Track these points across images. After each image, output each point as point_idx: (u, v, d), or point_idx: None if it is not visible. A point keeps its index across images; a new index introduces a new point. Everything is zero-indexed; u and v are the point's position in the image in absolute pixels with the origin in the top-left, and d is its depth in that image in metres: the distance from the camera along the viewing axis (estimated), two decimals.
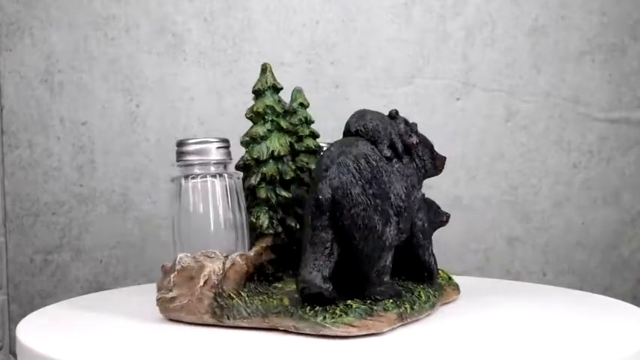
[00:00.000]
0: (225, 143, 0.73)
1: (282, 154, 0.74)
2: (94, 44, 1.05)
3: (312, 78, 1.07)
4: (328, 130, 1.06)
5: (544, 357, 0.57)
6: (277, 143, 0.74)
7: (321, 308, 0.62)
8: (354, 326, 0.62)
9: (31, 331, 0.67)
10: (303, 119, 0.77)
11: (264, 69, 0.75)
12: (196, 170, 0.71)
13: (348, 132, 0.69)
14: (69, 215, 1.05)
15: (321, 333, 0.62)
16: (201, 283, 0.67)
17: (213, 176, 0.71)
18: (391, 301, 0.64)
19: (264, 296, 0.67)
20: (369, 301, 0.64)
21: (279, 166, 0.74)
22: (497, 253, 1.12)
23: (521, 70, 1.11)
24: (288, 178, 0.73)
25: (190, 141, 0.72)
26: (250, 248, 0.70)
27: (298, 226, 0.73)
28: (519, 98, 1.11)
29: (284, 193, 0.73)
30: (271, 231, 0.72)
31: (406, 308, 0.65)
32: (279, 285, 0.70)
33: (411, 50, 1.09)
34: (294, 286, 0.66)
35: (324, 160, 0.64)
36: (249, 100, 0.78)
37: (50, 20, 1.04)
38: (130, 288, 0.92)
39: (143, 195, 1.06)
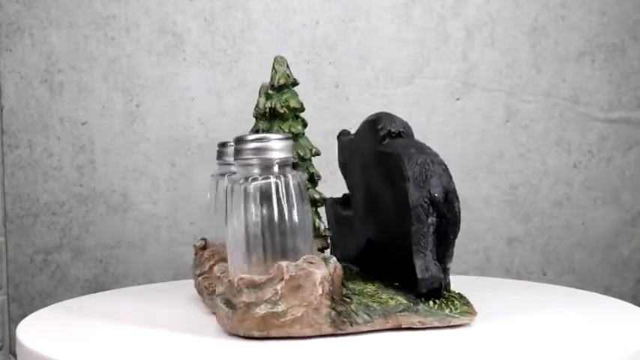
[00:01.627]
0: (289, 140, 0.65)
1: (317, 153, 0.72)
2: (94, 44, 1.05)
3: (312, 78, 1.07)
4: (329, 129, 1.06)
5: (544, 356, 0.57)
6: (310, 141, 0.72)
7: (440, 301, 0.65)
8: (472, 314, 0.66)
9: (31, 331, 0.67)
10: None
11: (282, 62, 0.72)
12: (256, 170, 0.63)
13: (388, 134, 0.71)
14: (69, 215, 1.05)
15: (451, 324, 0.65)
16: (320, 292, 0.61)
17: (278, 177, 0.63)
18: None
19: (373, 297, 0.65)
20: (448, 291, 0.67)
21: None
22: (497, 253, 1.12)
23: (521, 70, 1.11)
24: (317, 178, 0.72)
25: (252, 137, 0.63)
26: None
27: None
28: (519, 98, 1.11)
29: (322, 194, 0.72)
30: (328, 233, 0.71)
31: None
32: (352, 285, 0.68)
33: (411, 50, 1.09)
34: (371, 285, 0.68)
35: (422, 160, 0.66)
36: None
37: (50, 20, 1.04)
38: (130, 288, 0.92)
39: (143, 195, 1.06)
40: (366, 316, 0.63)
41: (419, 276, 0.64)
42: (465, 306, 0.66)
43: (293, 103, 0.70)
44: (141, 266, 1.07)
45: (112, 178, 1.06)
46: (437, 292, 0.66)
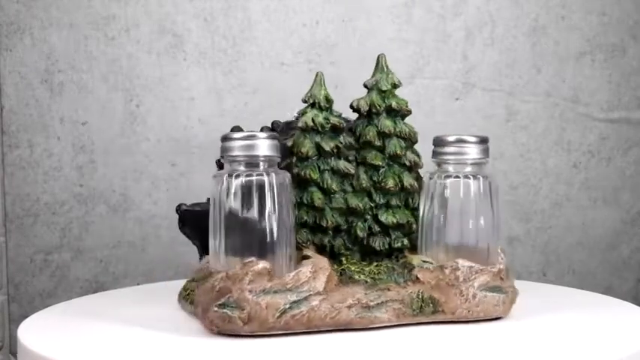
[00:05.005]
0: (485, 144, 0.68)
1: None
2: (94, 44, 1.05)
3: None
4: None
5: (545, 356, 0.57)
6: None
7: None
8: None
9: (31, 332, 0.67)
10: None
11: (383, 59, 0.72)
12: (451, 169, 0.68)
13: None
14: (69, 215, 1.05)
15: None
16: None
17: (468, 177, 0.67)
18: None
19: None
20: None
21: None
22: None
23: (521, 70, 1.11)
24: None
25: (453, 139, 0.68)
26: None
27: None
28: (519, 98, 1.11)
29: None
30: None
31: None
32: None
33: (411, 50, 1.09)
34: None
35: None
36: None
37: (50, 20, 1.04)
38: (130, 288, 0.92)
39: (143, 195, 1.06)
40: None
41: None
42: None
43: (395, 104, 0.72)
44: (141, 266, 1.07)
45: (112, 178, 1.06)
46: None
